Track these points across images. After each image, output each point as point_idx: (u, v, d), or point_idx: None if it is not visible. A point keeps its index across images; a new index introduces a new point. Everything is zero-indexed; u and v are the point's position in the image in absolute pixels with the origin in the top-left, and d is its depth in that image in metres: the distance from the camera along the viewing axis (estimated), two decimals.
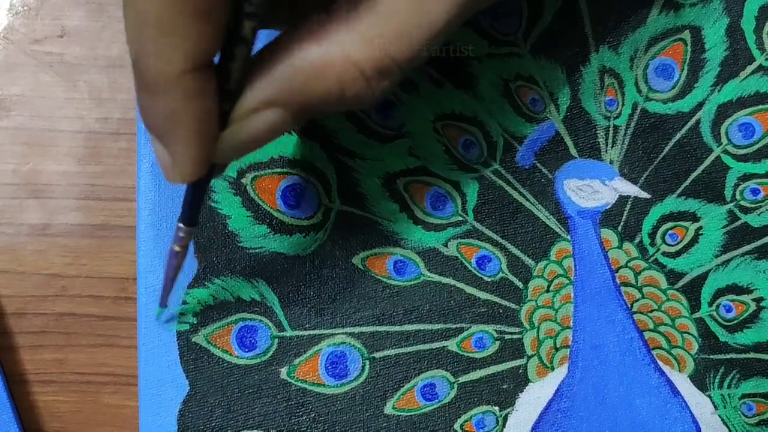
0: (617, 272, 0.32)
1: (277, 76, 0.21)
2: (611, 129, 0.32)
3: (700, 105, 0.32)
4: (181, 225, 0.27)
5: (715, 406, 0.32)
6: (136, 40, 0.20)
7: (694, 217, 0.32)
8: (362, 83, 0.21)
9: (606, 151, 0.32)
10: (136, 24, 0.20)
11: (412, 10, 0.21)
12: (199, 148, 0.22)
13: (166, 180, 0.24)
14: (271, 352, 0.31)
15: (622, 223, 0.32)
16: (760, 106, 0.32)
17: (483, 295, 0.32)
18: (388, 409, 0.31)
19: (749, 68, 0.32)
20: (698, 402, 0.32)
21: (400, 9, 0.21)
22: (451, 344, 0.32)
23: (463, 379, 0.31)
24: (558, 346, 0.32)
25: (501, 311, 0.32)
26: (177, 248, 0.27)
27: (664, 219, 0.32)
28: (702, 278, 0.32)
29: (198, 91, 0.20)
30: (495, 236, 0.32)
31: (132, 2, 0.19)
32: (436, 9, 0.21)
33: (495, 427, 0.31)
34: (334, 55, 0.21)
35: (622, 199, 0.32)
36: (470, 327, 0.32)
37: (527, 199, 0.32)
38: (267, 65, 0.21)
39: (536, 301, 0.32)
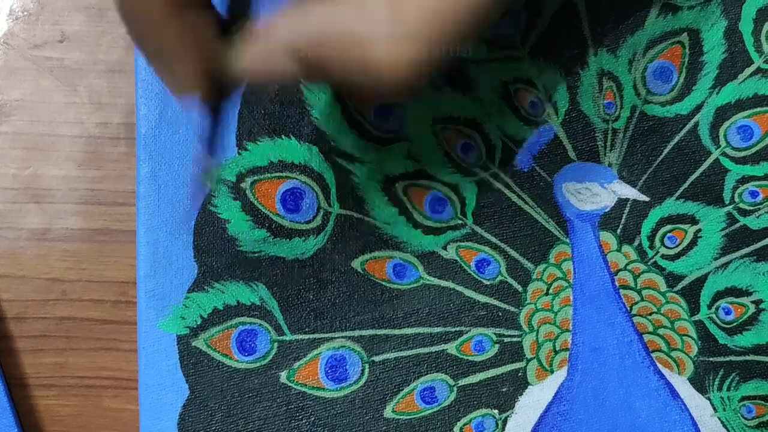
0: (616, 275, 0.32)
1: (305, 24, 0.21)
2: (610, 132, 0.32)
3: (698, 108, 0.32)
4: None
5: (714, 409, 0.32)
6: None
7: (693, 220, 0.32)
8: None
9: (605, 154, 0.32)
10: None
11: None
12: (197, 60, 0.22)
13: (172, 94, 0.24)
14: (270, 356, 0.31)
15: (621, 226, 0.32)
16: (759, 109, 0.32)
17: (482, 299, 0.32)
18: (387, 413, 0.31)
19: (747, 71, 0.32)
20: (698, 404, 0.32)
21: None
22: (451, 347, 0.32)
23: (462, 382, 0.32)
24: (557, 349, 0.32)
25: (500, 314, 0.32)
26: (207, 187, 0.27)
27: (663, 222, 0.32)
28: (701, 281, 0.32)
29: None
30: (494, 239, 0.32)
31: None
32: None
33: (495, 430, 0.31)
34: (361, 33, 0.20)
35: (621, 202, 0.32)
36: (470, 330, 0.32)
37: (526, 203, 0.32)
38: (301, 14, 0.21)
39: (535, 304, 0.32)
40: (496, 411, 0.31)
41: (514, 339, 0.32)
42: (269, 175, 0.31)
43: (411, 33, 0.20)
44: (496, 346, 0.32)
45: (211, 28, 0.23)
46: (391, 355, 0.31)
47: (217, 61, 0.23)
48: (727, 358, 0.32)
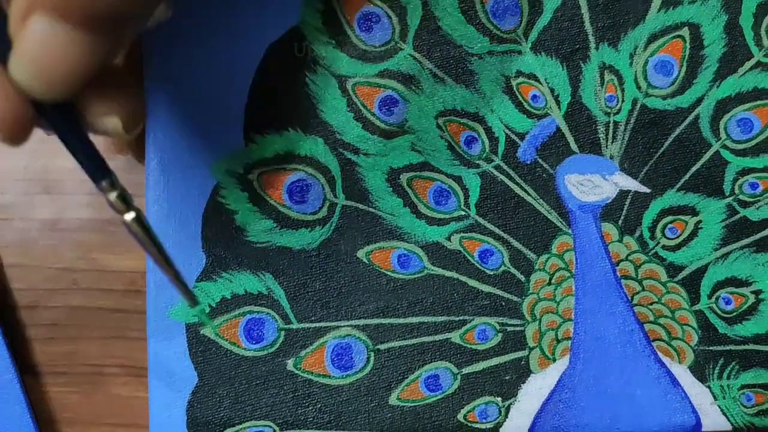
0: (618, 265, 0.32)
1: None
2: (611, 125, 0.33)
3: (699, 101, 0.33)
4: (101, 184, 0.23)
5: (714, 397, 0.32)
6: None
7: (693, 211, 0.33)
8: None
9: (606, 146, 0.33)
10: None
11: None
12: None
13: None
14: (277, 344, 0.32)
15: (622, 217, 0.33)
16: (759, 102, 0.33)
17: (485, 288, 0.32)
18: (392, 400, 0.32)
19: (747, 64, 0.33)
20: (698, 392, 0.32)
21: None
22: (455, 336, 0.32)
23: (466, 370, 0.32)
24: (559, 337, 0.32)
25: (503, 304, 0.32)
26: (127, 217, 0.23)
27: (663, 213, 0.33)
28: (701, 271, 0.32)
29: None
30: (497, 230, 0.32)
31: None
32: None
33: (497, 418, 0.32)
34: None
35: (623, 194, 0.33)
36: (473, 319, 0.32)
37: (529, 194, 0.32)
38: None
39: (538, 293, 0.32)
40: (499, 398, 0.32)
41: (517, 328, 0.32)
42: (276, 167, 0.32)
43: None
44: (499, 334, 0.32)
45: None
46: (396, 344, 0.32)
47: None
48: (727, 347, 0.32)
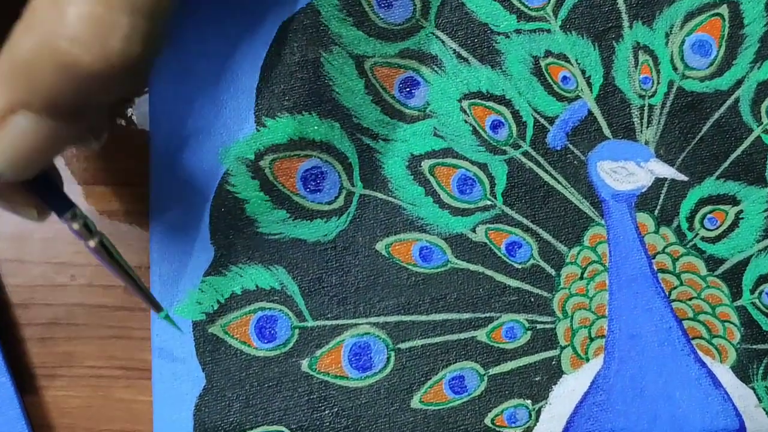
0: (654, 258, 0.31)
1: (1, 76, 0.20)
2: (646, 108, 0.31)
3: (739, 83, 0.31)
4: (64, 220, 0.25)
5: (759, 399, 0.30)
6: None
7: (734, 201, 0.31)
8: (85, 54, 0.19)
9: (641, 131, 0.31)
10: None
11: None
12: None
13: None
14: (291, 344, 0.30)
15: (658, 207, 0.31)
16: None
17: (513, 283, 0.30)
18: (414, 403, 0.30)
19: None
20: (741, 394, 0.30)
21: None
22: (481, 334, 0.30)
23: (493, 371, 0.30)
24: (593, 336, 0.30)
25: (532, 300, 0.30)
26: (91, 243, 0.25)
27: (702, 202, 0.31)
28: (743, 264, 0.31)
29: None
30: (525, 221, 0.30)
31: None
32: None
33: (528, 422, 0.30)
34: (43, 38, 0.19)
35: (659, 182, 0.31)
36: (500, 316, 0.30)
37: (559, 182, 0.31)
38: None
39: (569, 288, 0.30)
40: (529, 401, 0.30)
41: (547, 325, 0.30)
42: (289, 153, 0.30)
43: (86, 11, 0.19)
44: (529, 332, 0.30)
45: None
46: (418, 343, 0.30)
47: None
48: None
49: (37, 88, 0.20)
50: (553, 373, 0.30)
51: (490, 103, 0.31)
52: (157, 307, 0.28)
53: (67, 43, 0.19)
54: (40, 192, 0.24)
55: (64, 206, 0.24)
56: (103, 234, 0.25)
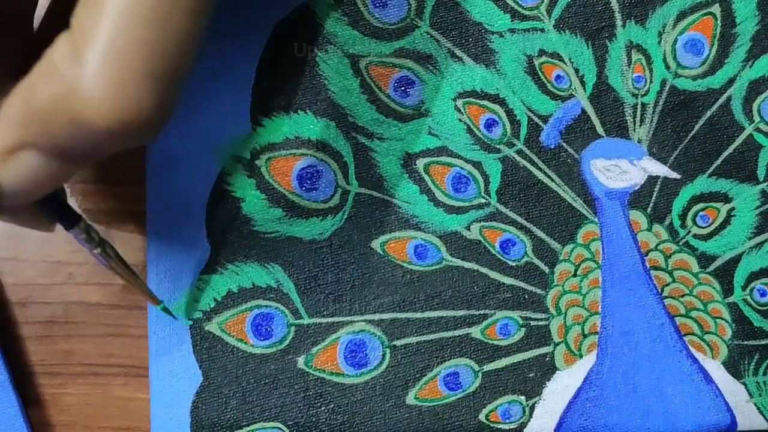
0: (647, 255, 0.31)
1: (16, 116, 0.20)
2: (639, 107, 0.31)
3: (731, 81, 0.31)
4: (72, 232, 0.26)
5: (750, 394, 0.30)
6: None
7: (725, 198, 0.31)
8: (96, 109, 0.19)
9: (634, 129, 0.31)
10: None
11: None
12: None
13: None
14: (287, 341, 0.30)
15: (651, 205, 0.31)
16: None
17: (507, 280, 0.30)
18: (410, 399, 0.30)
19: None
20: (732, 389, 0.30)
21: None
22: (475, 331, 0.30)
23: (487, 367, 0.30)
24: (586, 332, 0.30)
25: (526, 297, 0.30)
26: (96, 251, 0.26)
27: (694, 200, 0.31)
28: (735, 261, 0.31)
29: None
30: (519, 219, 0.31)
31: None
32: None
33: (521, 417, 0.30)
34: (59, 93, 0.19)
35: (651, 180, 0.31)
36: (494, 313, 0.30)
37: (552, 180, 0.31)
38: (8, 107, 0.21)
39: (563, 286, 0.31)
40: (523, 397, 0.30)
41: (541, 322, 0.30)
42: (285, 151, 0.30)
43: (103, 73, 0.19)
44: (523, 329, 0.30)
45: None
46: (413, 340, 0.30)
47: None
48: (763, 342, 0.31)
49: (49, 136, 0.20)
50: (546, 369, 0.30)
51: (485, 102, 0.31)
52: (154, 300, 0.29)
53: (83, 104, 0.19)
54: (47, 210, 0.25)
55: (70, 220, 0.25)
56: (107, 241, 0.26)
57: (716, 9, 0.31)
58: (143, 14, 0.19)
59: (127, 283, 0.28)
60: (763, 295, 0.31)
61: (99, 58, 0.19)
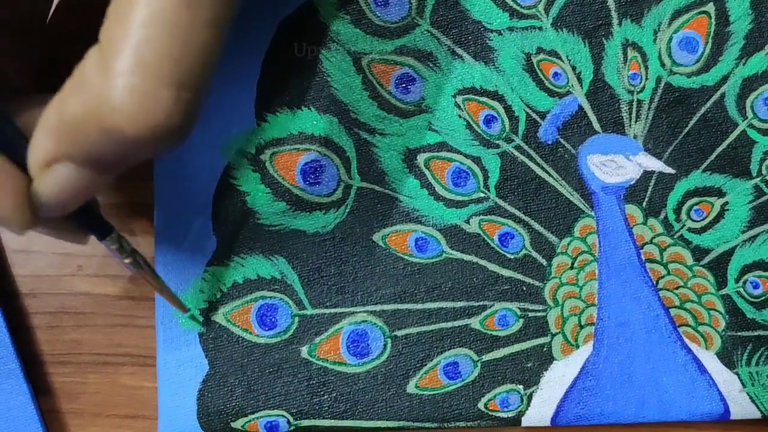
0: (642, 248, 0.31)
1: (51, 129, 0.21)
2: (635, 103, 0.32)
3: (724, 79, 0.32)
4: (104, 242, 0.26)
5: (743, 384, 0.31)
6: None
7: (719, 193, 0.32)
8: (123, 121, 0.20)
9: (630, 125, 0.32)
10: None
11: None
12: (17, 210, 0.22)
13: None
14: (291, 331, 0.31)
15: (646, 199, 0.32)
16: None
17: (506, 273, 0.31)
18: (410, 388, 0.31)
19: None
20: (726, 379, 0.31)
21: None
22: (474, 322, 0.31)
23: (486, 357, 0.31)
24: (583, 323, 0.31)
25: (524, 288, 0.31)
26: (126, 261, 0.27)
27: (689, 194, 0.32)
28: (728, 254, 0.32)
29: None
30: (518, 213, 0.31)
31: None
32: None
33: (519, 406, 0.31)
34: (90, 104, 0.20)
35: (647, 175, 0.32)
36: (493, 305, 0.31)
37: (550, 175, 0.31)
38: (43, 120, 0.22)
39: (560, 278, 0.31)
40: (521, 386, 0.31)
41: (539, 313, 0.31)
42: (289, 147, 0.31)
43: (131, 83, 0.20)
44: (521, 320, 0.31)
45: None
46: (414, 330, 0.31)
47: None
48: (756, 333, 0.31)
49: (81, 146, 0.21)
50: (544, 359, 0.31)
51: (484, 99, 0.31)
52: (183, 308, 0.30)
53: (113, 113, 0.20)
54: (80, 221, 0.26)
55: (102, 231, 0.26)
56: (137, 251, 0.27)
57: (710, 8, 0.32)
58: (167, 28, 0.20)
59: (156, 290, 0.29)
60: (755, 287, 0.31)
61: (127, 70, 0.19)
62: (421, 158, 0.31)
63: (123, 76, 0.19)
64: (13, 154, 0.22)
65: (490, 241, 0.31)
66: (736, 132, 0.32)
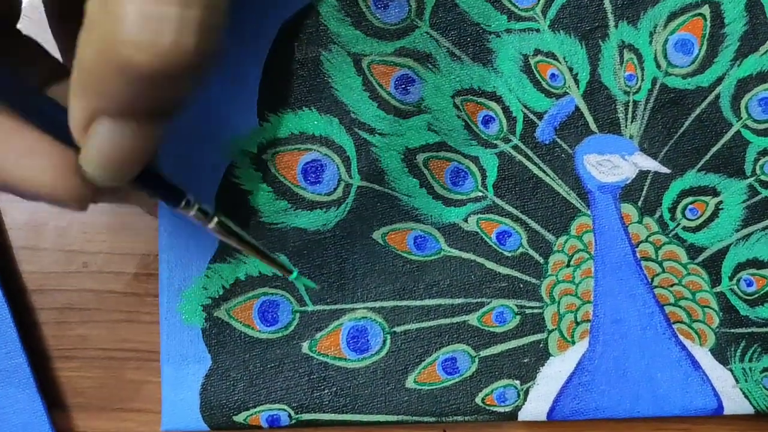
0: (637, 247, 0.32)
1: (76, 88, 0.20)
2: (631, 104, 0.32)
3: (719, 80, 0.32)
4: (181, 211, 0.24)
5: (736, 380, 0.32)
6: None
7: (714, 192, 0.32)
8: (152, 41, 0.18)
9: (626, 126, 0.32)
10: None
11: None
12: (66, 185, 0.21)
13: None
14: (292, 327, 0.31)
15: (642, 198, 0.32)
16: None
17: (503, 270, 0.32)
18: (409, 383, 0.31)
19: None
20: (719, 375, 0.31)
21: None
22: (472, 319, 0.32)
23: (484, 353, 0.32)
24: (578, 320, 0.32)
25: (521, 286, 0.32)
26: (210, 226, 0.25)
27: (684, 194, 0.32)
28: (722, 252, 0.32)
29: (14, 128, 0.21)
30: (515, 211, 0.32)
31: None
32: None
33: (516, 401, 0.31)
34: (100, 45, 0.19)
35: (642, 174, 0.32)
36: (491, 301, 0.32)
37: (547, 175, 0.32)
38: (70, 84, 0.20)
39: (557, 275, 0.32)
40: (517, 381, 0.31)
41: (536, 310, 0.32)
42: (290, 146, 0.31)
43: (135, 9, 0.18)
44: (518, 317, 0.32)
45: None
46: (413, 326, 0.31)
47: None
48: (749, 330, 0.32)
49: (106, 94, 0.19)
50: (540, 355, 0.32)
51: (482, 99, 0.32)
52: (288, 271, 0.28)
53: (122, 45, 0.18)
54: (147, 187, 0.23)
55: (174, 197, 0.24)
56: (219, 212, 0.25)
57: (706, 10, 0.32)
58: None
59: (250, 254, 0.27)
60: (749, 285, 0.32)
61: None
62: (420, 158, 0.32)
63: (123, 3, 0.18)
64: (59, 131, 0.21)
65: (487, 240, 0.32)
66: (731, 132, 0.32)
